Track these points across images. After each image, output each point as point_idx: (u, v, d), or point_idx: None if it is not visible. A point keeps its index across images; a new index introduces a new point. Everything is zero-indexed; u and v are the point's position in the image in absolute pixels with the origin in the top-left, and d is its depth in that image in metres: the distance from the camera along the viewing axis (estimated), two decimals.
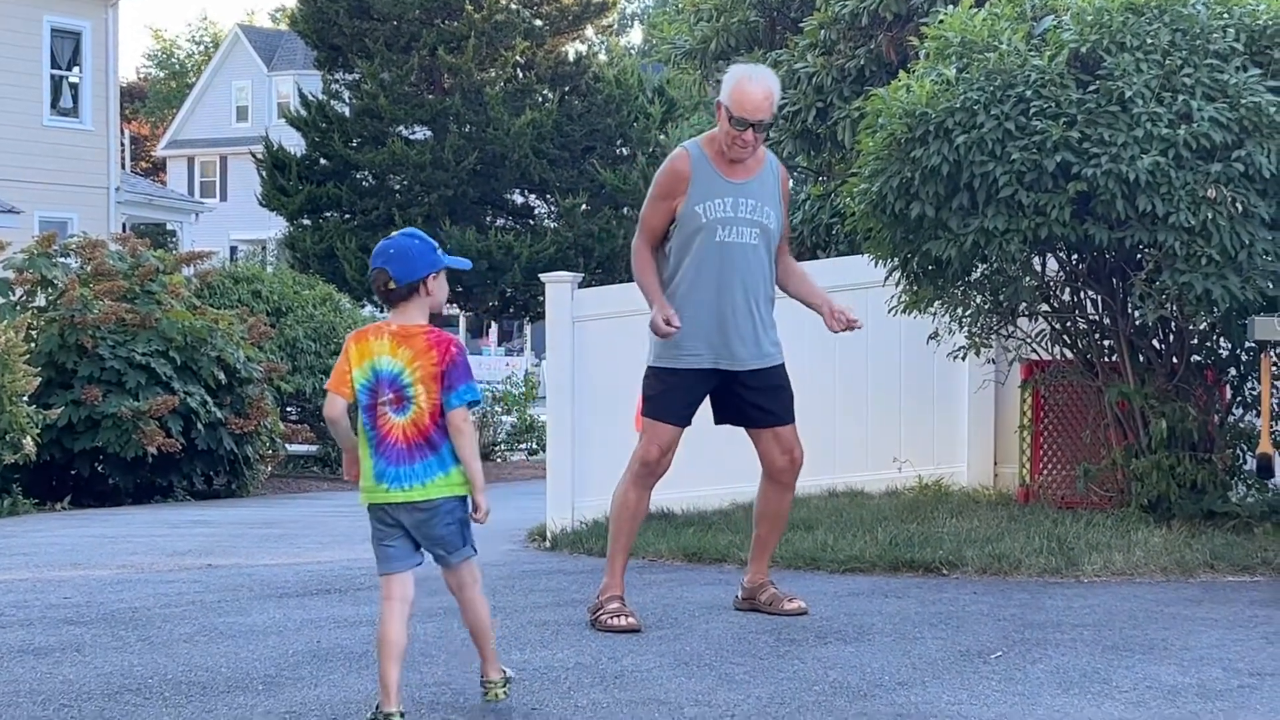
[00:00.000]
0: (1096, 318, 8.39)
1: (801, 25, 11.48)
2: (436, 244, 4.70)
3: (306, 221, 30.06)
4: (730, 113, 6.14)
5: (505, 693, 4.82)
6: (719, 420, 6.46)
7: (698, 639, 5.86)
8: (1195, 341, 8.20)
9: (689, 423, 6.28)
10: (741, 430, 6.41)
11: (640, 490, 6.28)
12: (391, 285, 4.58)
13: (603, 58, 33.23)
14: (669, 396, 6.20)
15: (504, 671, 4.87)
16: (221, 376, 16.33)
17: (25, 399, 13.88)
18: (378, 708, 4.52)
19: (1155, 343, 8.25)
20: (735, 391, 6.27)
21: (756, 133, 6.16)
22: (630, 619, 6.06)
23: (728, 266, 6.16)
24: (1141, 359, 8.20)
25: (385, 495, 4.57)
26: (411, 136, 30.06)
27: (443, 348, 4.57)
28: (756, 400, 6.27)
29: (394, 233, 4.73)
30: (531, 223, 30.99)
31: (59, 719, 4.71)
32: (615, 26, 36.92)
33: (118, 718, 4.71)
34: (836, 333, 6.38)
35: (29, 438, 13.81)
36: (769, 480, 6.42)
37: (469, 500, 4.61)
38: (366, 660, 5.50)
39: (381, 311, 31.15)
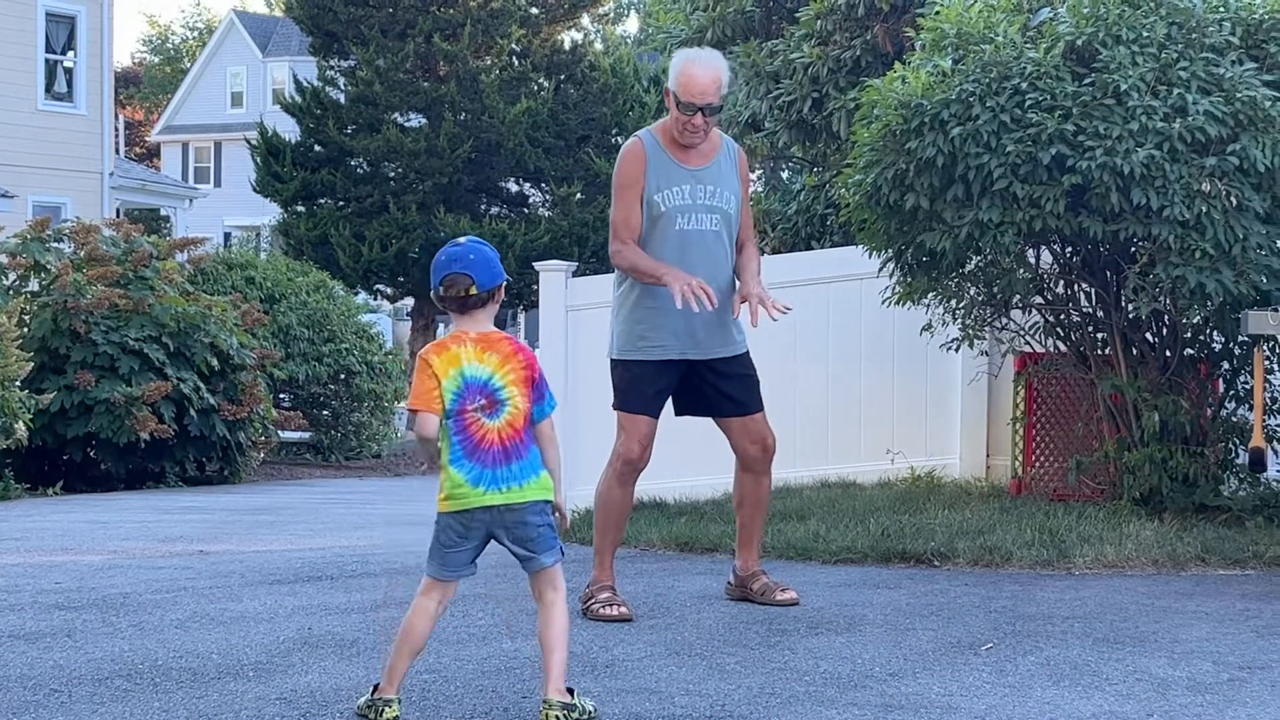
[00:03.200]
0: (1090, 310, 8.39)
1: (797, 15, 11.48)
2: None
3: (300, 208, 29.99)
4: (678, 98, 6.09)
5: (560, 717, 4.39)
6: (680, 412, 6.42)
7: (689, 628, 5.87)
8: (1188, 335, 8.20)
9: (659, 413, 6.26)
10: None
11: (624, 487, 6.27)
12: (473, 291, 4.53)
13: (599, 46, 33.19)
14: (638, 388, 6.18)
15: (565, 695, 4.44)
16: (215, 362, 16.33)
17: (18, 384, 13.87)
18: (375, 690, 4.51)
19: (1148, 336, 8.26)
20: (703, 381, 6.25)
21: (706, 116, 6.10)
22: (622, 608, 6.06)
23: (690, 255, 6.12)
24: (1135, 352, 8.21)
25: (481, 499, 4.48)
26: (407, 124, 29.99)
27: (527, 354, 4.58)
28: (725, 389, 6.25)
29: (461, 239, 4.67)
30: (526, 211, 30.94)
31: (49, 704, 4.71)
32: (611, 15, 36.90)
33: (108, 703, 4.71)
34: (746, 318, 6.24)
35: (21, 423, 13.81)
36: (744, 470, 6.40)
37: (552, 504, 4.59)
38: (358, 648, 5.50)
39: (372, 297, 31.09)
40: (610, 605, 6.07)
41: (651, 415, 6.21)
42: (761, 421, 6.32)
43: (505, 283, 4.66)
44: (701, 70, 6.11)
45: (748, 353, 6.33)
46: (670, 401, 6.37)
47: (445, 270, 4.56)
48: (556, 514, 4.63)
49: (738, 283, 6.27)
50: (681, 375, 6.25)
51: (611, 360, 6.28)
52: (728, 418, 6.31)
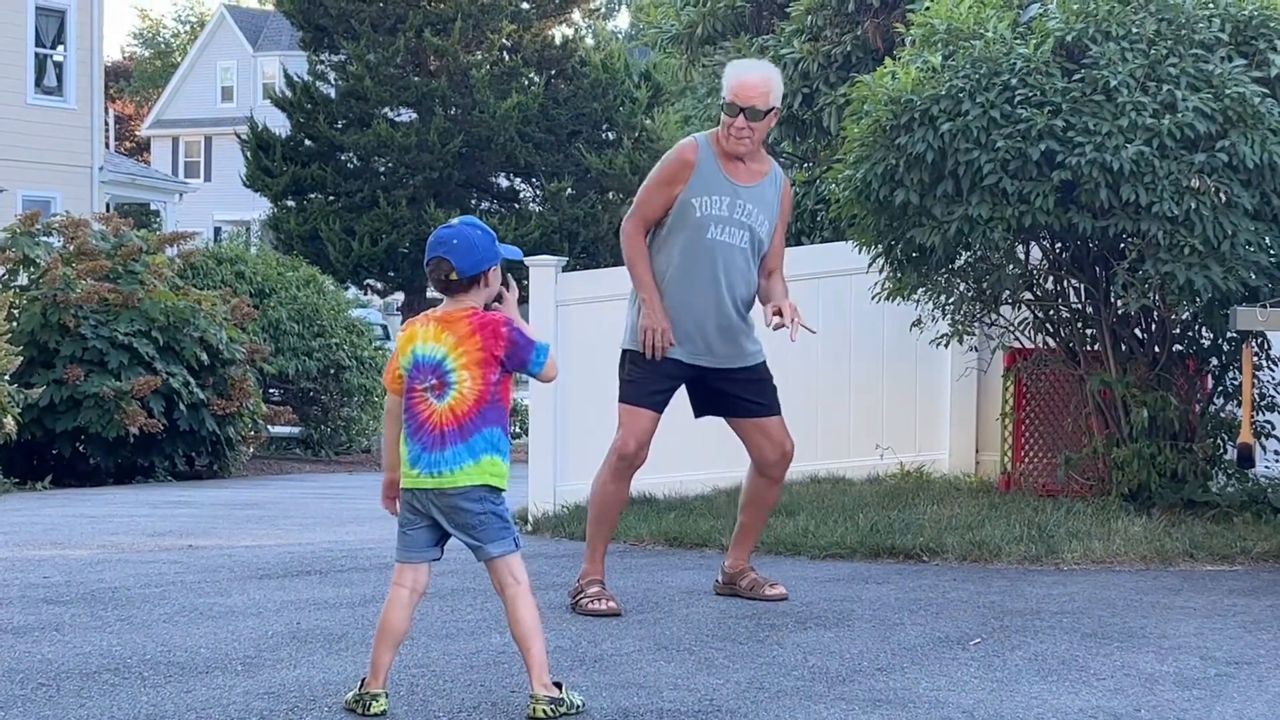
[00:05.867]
0: (1079, 306, 8.40)
1: (788, 10, 11.47)
2: (495, 234, 4.64)
3: (291, 203, 29.98)
4: (724, 100, 6.17)
5: (548, 712, 4.37)
6: (700, 413, 6.44)
7: (678, 623, 5.87)
8: (1177, 331, 8.22)
9: (662, 410, 6.26)
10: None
11: (620, 482, 6.27)
12: (453, 276, 4.47)
13: (589, 41, 33.20)
14: (645, 383, 6.18)
15: (552, 689, 4.42)
16: (204, 357, 16.30)
17: (6, 378, 13.83)
18: (362, 684, 4.51)
19: (1138, 332, 8.27)
20: (717, 386, 6.26)
21: (749, 120, 6.12)
22: (610, 603, 6.06)
23: (715, 264, 6.15)
24: (1124, 348, 8.22)
25: (416, 480, 4.48)
26: (397, 119, 29.97)
27: (489, 331, 4.46)
28: (741, 393, 6.27)
29: (453, 220, 4.61)
30: (517, 206, 30.93)
31: (37, 698, 4.70)
32: (602, 10, 36.85)
33: (96, 697, 4.70)
34: (771, 329, 6.27)
35: (9, 417, 13.77)
36: (759, 475, 6.40)
37: (502, 494, 4.51)
38: (346, 642, 5.50)
39: (363, 292, 31.07)
40: (599, 600, 6.07)
41: (653, 410, 6.20)
42: (780, 426, 6.33)
43: (494, 266, 4.54)
44: (752, 74, 6.20)
45: (764, 362, 6.34)
46: (690, 403, 6.37)
47: (431, 253, 4.54)
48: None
49: (768, 298, 6.28)
50: (692, 380, 6.25)
51: (622, 350, 6.29)
52: (747, 419, 6.31)
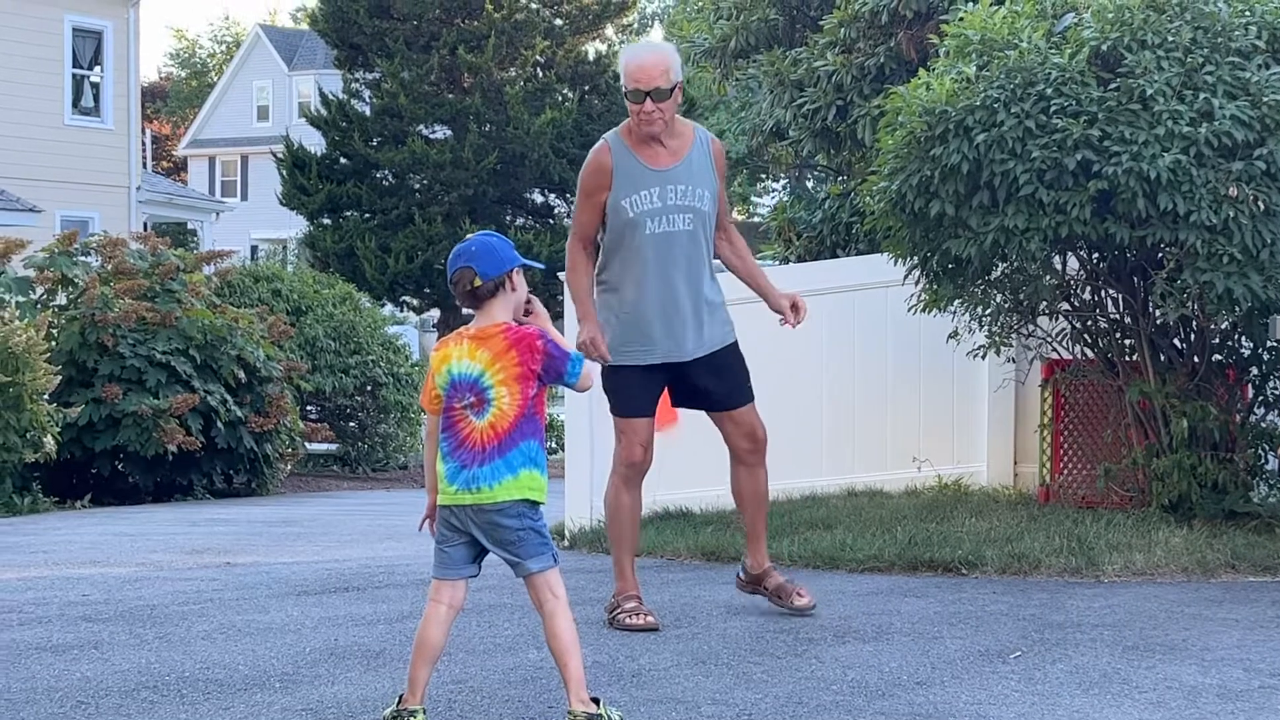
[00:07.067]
0: (1117, 316, 8.35)
1: (821, 23, 11.46)
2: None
3: (326, 220, 30.07)
4: (626, 88, 6.05)
5: None
6: (676, 403, 6.43)
7: (715, 638, 5.85)
8: (1216, 340, 8.16)
9: (653, 408, 6.25)
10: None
11: (631, 491, 6.26)
12: (477, 283, 4.48)
13: None
14: (630, 391, 6.17)
15: (590, 705, 4.40)
16: (241, 375, 16.37)
17: (46, 397, 13.92)
18: (399, 701, 4.50)
19: (1176, 342, 8.21)
20: (692, 377, 6.23)
21: (656, 101, 6.00)
22: (648, 618, 6.04)
23: (664, 259, 6.08)
24: (1162, 358, 8.16)
25: (455, 497, 4.47)
26: (432, 136, 30.04)
27: (524, 345, 4.47)
28: (707, 385, 6.23)
29: (467, 236, 4.64)
30: (551, 222, 30.96)
31: (76, 716, 4.71)
32: (635, 25, 36.87)
33: (135, 715, 4.71)
34: (793, 328, 6.30)
35: (49, 436, 13.85)
36: (736, 463, 6.36)
37: (540, 509, 4.53)
38: (384, 659, 5.50)
39: (398, 309, 31.15)
40: (636, 615, 6.04)
41: (647, 416, 6.21)
42: (749, 413, 6.27)
43: (516, 269, 4.55)
44: (645, 54, 6.07)
45: (733, 345, 6.27)
46: (666, 392, 6.35)
47: (451, 268, 4.56)
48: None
49: (764, 294, 6.29)
50: (672, 374, 6.23)
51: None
52: (716, 411, 6.29)
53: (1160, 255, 7.78)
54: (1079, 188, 7.35)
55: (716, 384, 6.23)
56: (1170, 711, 4.71)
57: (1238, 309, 7.48)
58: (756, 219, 36.98)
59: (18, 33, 26.42)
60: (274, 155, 32.43)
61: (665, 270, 6.07)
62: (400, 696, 4.52)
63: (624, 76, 6.06)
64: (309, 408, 20.73)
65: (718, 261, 6.38)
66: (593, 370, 4.65)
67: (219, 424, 15.95)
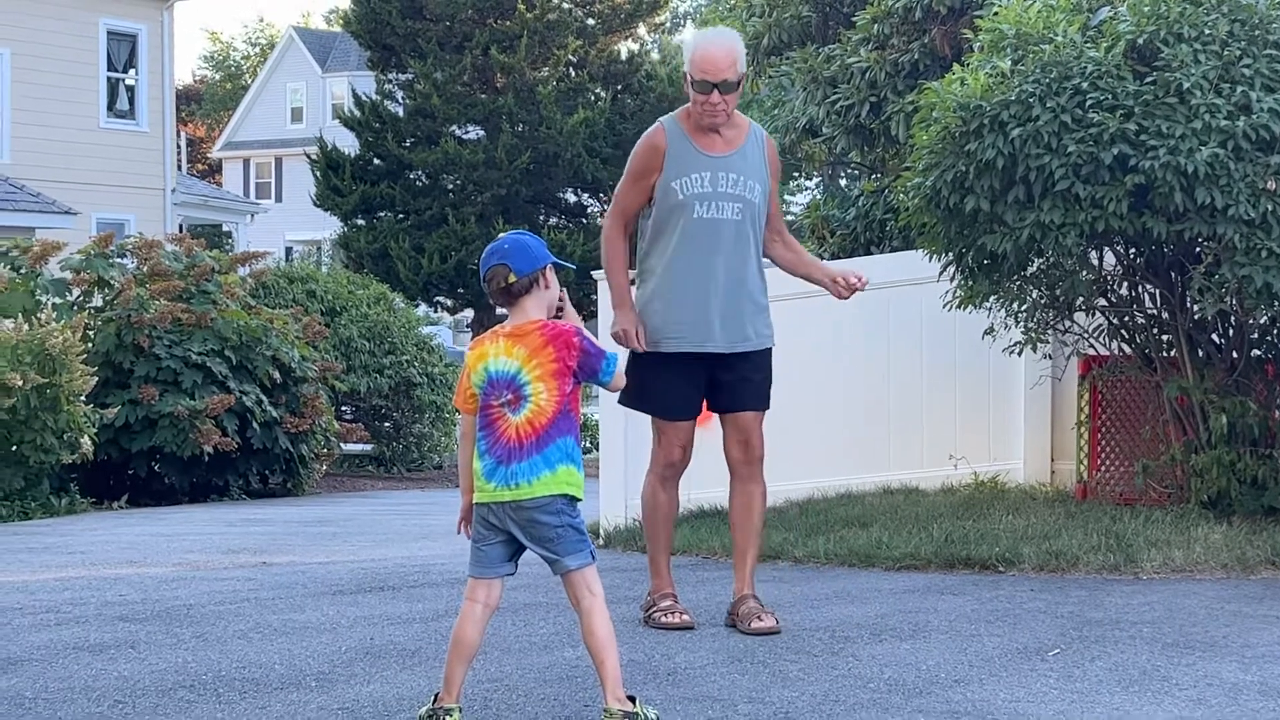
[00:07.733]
0: (1155, 312, 8.30)
1: (854, 19, 11.43)
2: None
3: (360, 221, 30.16)
4: (692, 77, 5.95)
5: None
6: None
7: (751, 636, 5.82)
8: (1255, 335, 8.10)
9: (698, 410, 6.09)
10: (790, 426, 6.29)
11: (668, 490, 6.17)
12: (511, 279, 4.50)
13: (655, 56, 33.15)
14: (668, 392, 6.02)
15: (626, 703, 4.39)
16: (277, 375, 16.42)
17: (83, 399, 13.98)
18: (435, 699, 4.50)
19: (1214, 337, 8.16)
20: (716, 377, 6.05)
21: (723, 94, 5.92)
22: (683, 616, 6.02)
23: (708, 244, 5.96)
24: (1201, 353, 8.11)
25: (492, 494, 4.46)
26: (465, 136, 30.10)
27: (561, 343, 4.47)
28: (732, 385, 6.06)
29: (499, 235, 4.64)
30: (585, 221, 30.99)
31: (113, 715, 4.72)
32: (668, 24, 36.87)
33: (172, 714, 4.72)
34: (845, 299, 6.21)
35: (86, 437, 13.91)
36: (730, 476, 6.19)
37: (578, 506, 4.51)
38: (420, 657, 5.50)
39: (432, 309, 31.20)
40: (671, 613, 6.02)
41: (689, 418, 6.07)
42: (753, 420, 6.08)
43: (548, 265, 4.56)
44: (715, 47, 5.95)
45: (768, 351, 6.13)
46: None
47: (485, 266, 4.57)
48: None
49: (808, 273, 6.21)
50: (710, 371, 6.03)
51: (630, 353, 6.06)
52: (723, 411, 6.12)
53: (1198, 250, 7.73)
54: (1115, 182, 7.30)
55: (731, 384, 6.05)
56: (1211, 709, 4.67)
57: (1276, 303, 7.42)
58: (790, 217, 36.91)
59: (52, 36, 26.58)
60: (308, 157, 32.56)
61: (709, 257, 5.95)
62: (436, 695, 4.52)
63: (690, 65, 5.95)
64: (344, 408, 20.78)
65: (767, 261, 6.24)
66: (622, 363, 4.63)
67: (254, 424, 16.00)
